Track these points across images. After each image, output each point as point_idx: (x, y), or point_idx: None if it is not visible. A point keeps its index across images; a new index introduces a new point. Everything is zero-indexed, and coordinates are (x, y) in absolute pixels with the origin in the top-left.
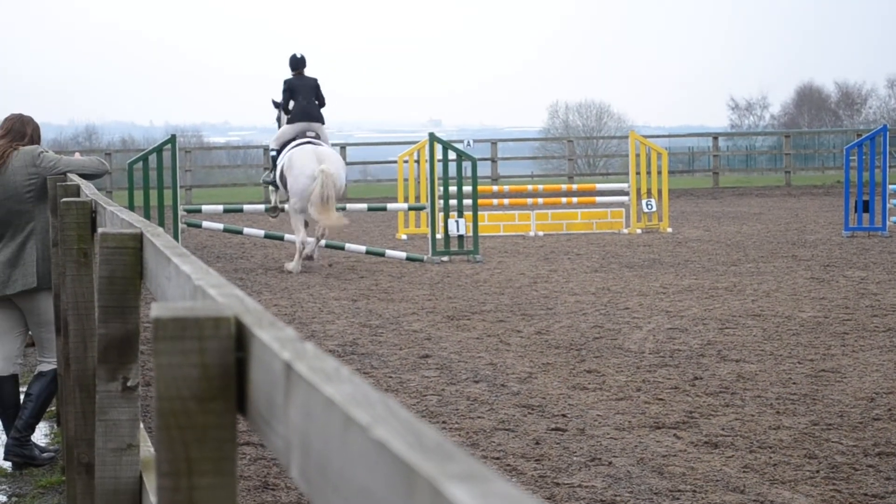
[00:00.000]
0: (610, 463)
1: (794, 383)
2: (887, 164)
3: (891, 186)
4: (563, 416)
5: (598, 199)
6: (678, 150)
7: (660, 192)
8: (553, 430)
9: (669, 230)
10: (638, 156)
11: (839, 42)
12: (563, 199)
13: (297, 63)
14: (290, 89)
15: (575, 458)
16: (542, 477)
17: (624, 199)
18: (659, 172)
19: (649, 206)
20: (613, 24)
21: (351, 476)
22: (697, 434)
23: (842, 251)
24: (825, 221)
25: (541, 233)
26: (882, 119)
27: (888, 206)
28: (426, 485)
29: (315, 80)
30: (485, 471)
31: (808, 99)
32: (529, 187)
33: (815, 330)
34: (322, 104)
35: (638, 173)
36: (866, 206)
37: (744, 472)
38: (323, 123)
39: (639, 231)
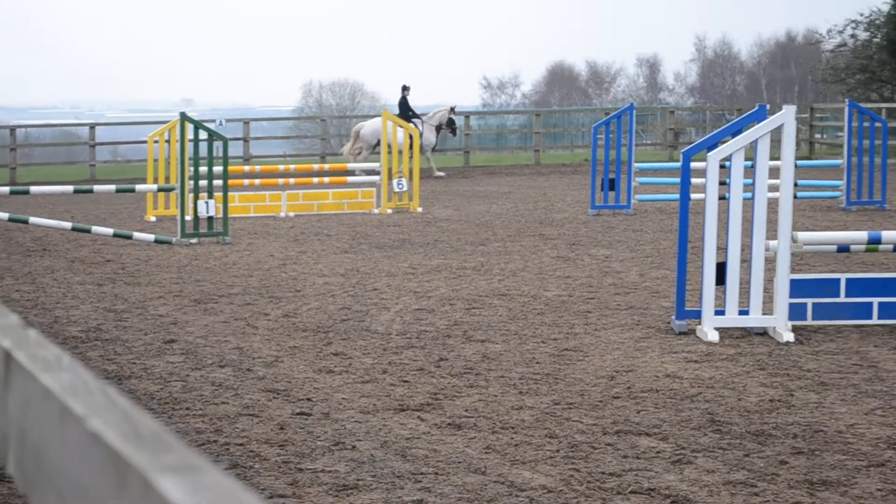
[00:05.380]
0: (354, 447)
1: (537, 363)
2: (633, 143)
3: (636, 165)
4: (309, 399)
5: (350, 178)
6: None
7: (411, 171)
8: (298, 414)
9: (420, 210)
10: (390, 135)
11: (590, 22)
12: (315, 180)
13: None
14: None
15: (319, 443)
16: (286, 462)
17: (375, 178)
18: (411, 150)
19: (400, 186)
20: (367, 2)
21: (66, 469)
22: (441, 416)
23: (587, 229)
24: (572, 200)
25: (292, 213)
26: (630, 98)
27: (633, 184)
28: (137, 477)
29: None
30: (200, 462)
31: (559, 78)
32: (281, 167)
33: (559, 309)
34: None
35: (390, 153)
36: (612, 185)
37: (486, 453)
38: None
39: (389, 211)
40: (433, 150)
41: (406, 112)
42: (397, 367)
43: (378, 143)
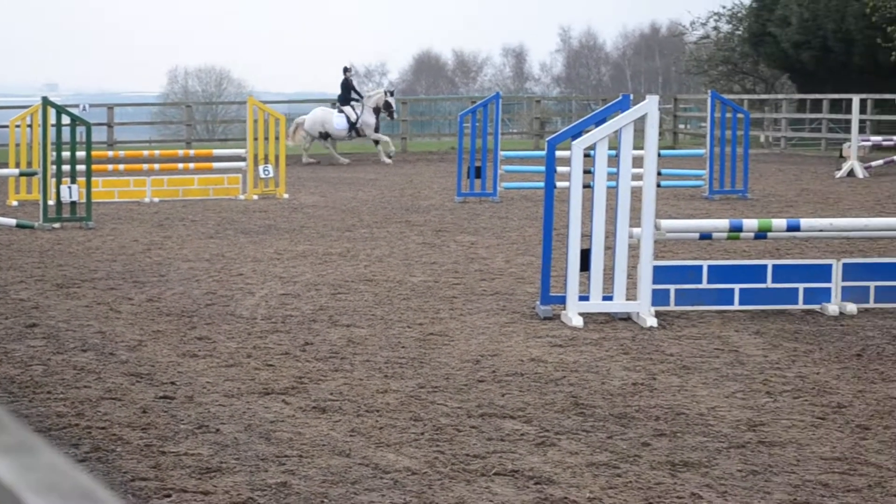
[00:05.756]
0: (217, 430)
1: (402, 347)
2: (499, 131)
3: (502, 153)
4: (172, 383)
5: (216, 164)
6: (298, 116)
7: (277, 157)
8: (161, 398)
9: (286, 196)
10: (256, 122)
11: (456, 11)
12: (180, 165)
13: None
14: None
15: (182, 426)
16: (148, 446)
17: (241, 164)
18: (277, 138)
19: (266, 172)
20: None
21: None
22: (306, 399)
23: (454, 216)
24: (439, 187)
25: (157, 199)
26: (496, 87)
27: (499, 172)
28: None
29: None
30: (35, 443)
31: (426, 66)
32: (146, 153)
33: (425, 294)
34: None
35: (256, 139)
36: (478, 172)
37: (351, 435)
38: None
39: (255, 197)
40: (376, 131)
41: (348, 94)
42: (262, 352)
43: (324, 134)
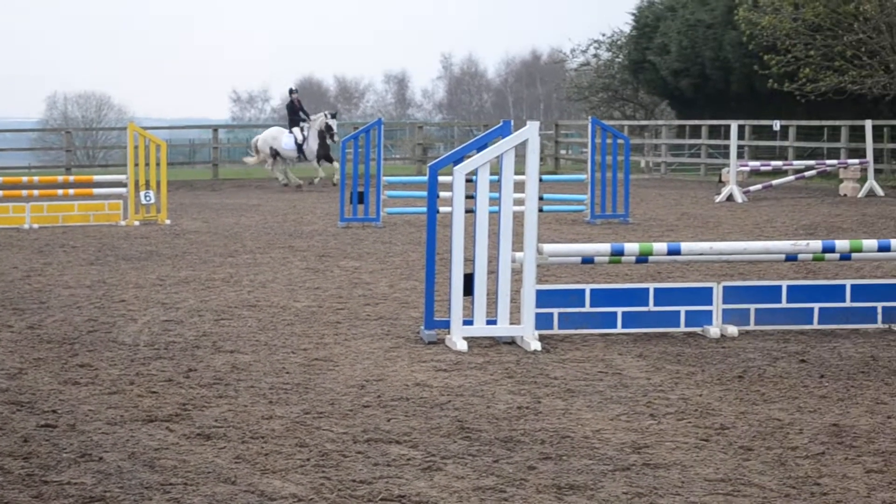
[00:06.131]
0: (101, 458)
1: (287, 373)
2: (381, 157)
3: (385, 178)
4: (54, 412)
5: (96, 190)
6: (179, 142)
7: (158, 183)
8: (43, 426)
9: (168, 222)
10: (137, 147)
11: (338, 37)
12: (60, 191)
13: None
14: None
15: (65, 455)
16: (30, 475)
17: (122, 190)
18: (158, 164)
19: (147, 198)
20: (113, 13)
21: None
22: (190, 426)
23: (337, 241)
24: (322, 212)
25: (36, 225)
26: (379, 113)
27: (382, 197)
28: None
29: None
30: None
31: (308, 92)
32: (25, 179)
33: (309, 319)
34: None
35: (137, 165)
36: (361, 198)
37: (236, 462)
38: None
39: (137, 223)
40: (327, 155)
41: (294, 116)
42: (145, 378)
43: (273, 152)
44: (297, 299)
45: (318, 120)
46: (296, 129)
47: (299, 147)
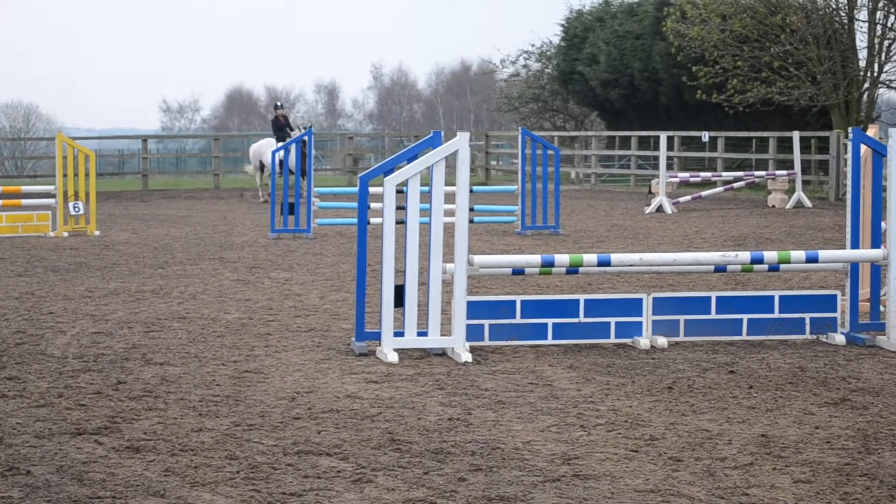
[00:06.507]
0: (28, 472)
1: (217, 385)
2: (312, 167)
3: (316, 189)
4: None
5: (25, 201)
6: (108, 153)
7: (88, 194)
8: None
9: (97, 233)
10: (65, 158)
11: (268, 47)
12: None
13: None
14: None
15: None
16: None
17: (51, 201)
18: (87, 175)
19: (76, 209)
20: (41, 22)
21: None
22: (119, 439)
23: (268, 253)
24: (252, 223)
25: None
26: (309, 122)
27: (312, 208)
28: None
29: None
30: None
31: (238, 102)
32: None
33: (239, 331)
34: None
35: (65, 175)
36: (291, 209)
37: (165, 475)
38: None
39: (65, 234)
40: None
41: (279, 132)
42: (74, 391)
43: (261, 165)
44: (228, 311)
45: (294, 134)
46: (281, 144)
47: (281, 163)
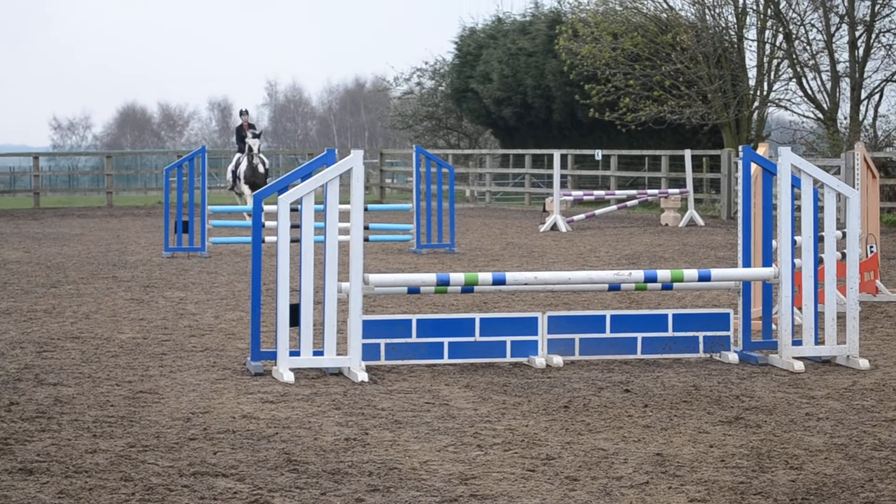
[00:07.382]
0: None
1: (111, 405)
2: (206, 186)
3: (210, 207)
4: None
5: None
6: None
7: None
8: None
9: None
10: None
11: (161, 64)
12: None
13: None
14: None
15: None
16: None
17: None
18: None
19: None
20: None
21: None
22: (12, 461)
23: (162, 272)
24: (146, 242)
25: None
26: (203, 140)
27: (207, 226)
28: None
29: None
30: None
31: (131, 120)
32: None
33: (133, 351)
34: None
35: None
36: (186, 227)
37: (59, 497)
38: None
39: None
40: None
41: (242, 141)
42: None
43: (235, 177)
44: (122, 331)
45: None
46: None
47: (233, 173)
